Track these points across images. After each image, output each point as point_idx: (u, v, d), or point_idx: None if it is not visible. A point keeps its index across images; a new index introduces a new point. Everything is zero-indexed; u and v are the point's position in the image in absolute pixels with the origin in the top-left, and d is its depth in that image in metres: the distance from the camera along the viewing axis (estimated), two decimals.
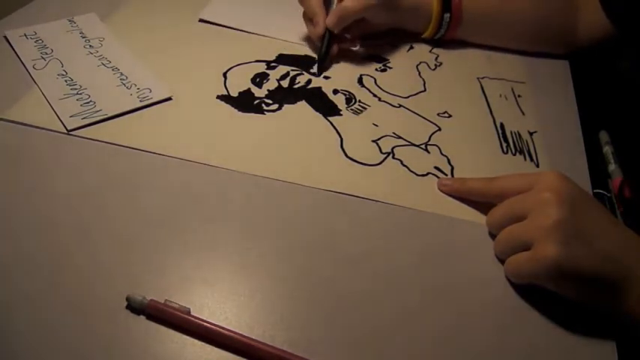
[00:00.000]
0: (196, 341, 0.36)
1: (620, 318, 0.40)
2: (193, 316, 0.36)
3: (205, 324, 0.36)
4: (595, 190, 0.52)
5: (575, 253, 0.38)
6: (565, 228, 0.39)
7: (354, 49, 0.67)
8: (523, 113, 0.61)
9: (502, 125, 0.59)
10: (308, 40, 0.67)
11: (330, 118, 0.56)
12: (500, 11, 0.68)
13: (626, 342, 0.40)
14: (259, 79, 0.60)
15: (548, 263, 0.38)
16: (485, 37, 0.70)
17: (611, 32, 0.65)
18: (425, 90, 0.63)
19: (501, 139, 0.57)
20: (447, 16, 0.66)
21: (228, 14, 0.70)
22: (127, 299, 0.37)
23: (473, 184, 0.48)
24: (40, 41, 0.60)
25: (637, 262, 0.39)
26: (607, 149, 0.57)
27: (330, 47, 0.63)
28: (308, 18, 0.65)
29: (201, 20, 0.68)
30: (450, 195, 0.49)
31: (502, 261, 0.43)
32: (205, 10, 0.70)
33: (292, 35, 0.68)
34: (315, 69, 0.63)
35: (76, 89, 0.54)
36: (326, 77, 0.62)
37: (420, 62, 0.67)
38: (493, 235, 0.46)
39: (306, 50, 0.66)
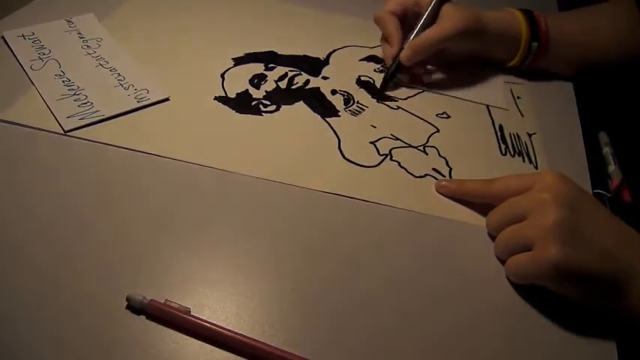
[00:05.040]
0: (196, 341, 0.36)
1: (621, 316, 0.40)
2: (193, 316, 0.36)
3: (205, 324, 0.36)
4: (595, 191, 0.52)
5: (576, 253, 0.38)
6: (564, 228, 0.39)
7: (426, 82, 0.64)
8: (522, 115, 0.61)
9: (501, 127, 0.59)
10: None
11: (328, 119, 0.56)
12: (582, 43, 0.65)
13: (626, 342, 0.40)
14: (257, 80, 0.60)
15: (549, 263, 0.38)
16: (564, 67, 0.67)
17: None
18: (423, 91, 0.63)
19: (500, 140, 0.57)
20: (534, 44, 0.63)
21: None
22: (127, 299, 0.37)
23: (471, 185, 0.48)
24: (38, 42, 0.60)
25: (637, 259, 0.39)
26: (606, 150, 0.57)
27: (396, 72, 0.61)
28: (384, 38, 0.63)
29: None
30: (448, 197, 0.49)
31: (502, 261, 0.44)
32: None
33: None
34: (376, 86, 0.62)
35: (73, 90, 0.54)
36: (324, 78, 0.62)
37: None
38: (491, 237, 0.46)
39: None
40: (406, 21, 0.63)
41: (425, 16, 0.60)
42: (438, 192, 0.50)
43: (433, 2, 0.60)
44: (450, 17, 0.60)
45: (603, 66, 0.67)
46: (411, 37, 0.60)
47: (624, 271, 0.39)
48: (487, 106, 0.62)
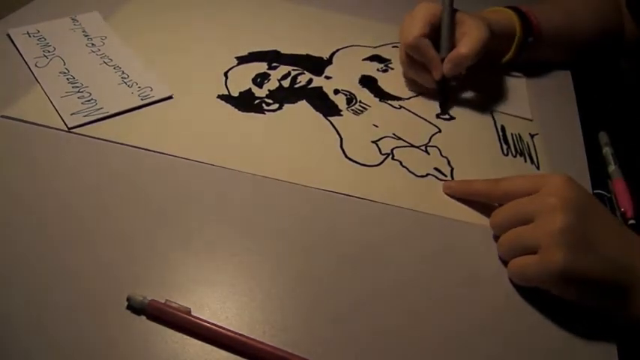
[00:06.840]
0: (196, 341, 0.36)
1: (626, 322, 0.40)
2: (194, 316, 0.36)
3: (206, 324, 0.36)
4: (595, 191, 0.52)
5: (582, 260, 0.38)
6: (572, 233, 0.38)
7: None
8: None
9: (503, 127, 0.59)
10: None
11: (330, 118, 0.56)
12: (567, 28, 0.66)
13: (626, 344, 0.40)
14: (260, 79, 0.60)
15: (555, 269, 0.38)
16: (553, 54, 0.67)
17: None
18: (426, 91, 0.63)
19: (502, 141, 0.57)
20: (530, 39, 0.63)
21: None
22: (128, 299, 0.37)
23: (478, 185, 0.48)
24: (43, 39, 0.60)
25: None
26: (606, 150, 0.57)
27: (449, 89, 0.61)
28: (418, 65, 0.60)
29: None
30: (453, 197, 0.49)
31: (503, 261, 0.44)
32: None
33: None
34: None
35: (77, 87, 0.54)
36: (327, 77, 0.62)
37: None
38: (491, 237, 0.46)
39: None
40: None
41: (447, 29, 0.59)
42: (445, 193, 0.49)
43: (446, 13, 0.59)
44: (476, 27, 0.58)
45: (586, 47, 0.68)
46: (442, 50, 0.59)
47: (630, 279, 0.39)
48: (489, 107, 0.62)
